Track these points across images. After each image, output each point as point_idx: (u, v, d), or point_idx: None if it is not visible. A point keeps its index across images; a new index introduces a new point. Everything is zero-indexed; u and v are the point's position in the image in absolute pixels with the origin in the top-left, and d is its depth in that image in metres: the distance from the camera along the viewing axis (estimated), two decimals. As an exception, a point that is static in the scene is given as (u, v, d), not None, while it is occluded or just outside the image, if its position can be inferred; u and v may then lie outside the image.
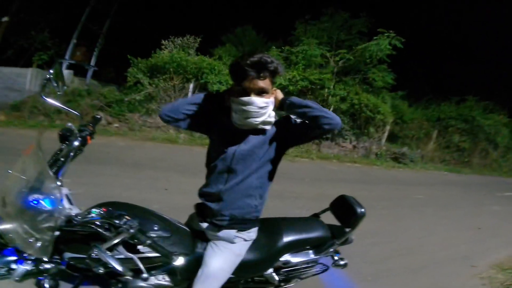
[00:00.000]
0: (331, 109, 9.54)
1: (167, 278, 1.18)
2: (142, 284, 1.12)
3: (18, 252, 0.99)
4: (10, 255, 0.99)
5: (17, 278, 0.98)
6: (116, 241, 0.97)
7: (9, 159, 1.16)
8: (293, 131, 1.24)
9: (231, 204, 1.19)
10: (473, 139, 13.26)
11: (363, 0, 12.95)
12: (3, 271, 0.99)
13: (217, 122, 1.23)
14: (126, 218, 0.98)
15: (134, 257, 1.04)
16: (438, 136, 12.36)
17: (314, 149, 9.11)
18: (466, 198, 6.95)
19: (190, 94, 8.22)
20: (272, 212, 1.55)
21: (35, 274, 1.02)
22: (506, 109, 14.90)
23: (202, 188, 1.25)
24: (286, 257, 1.40)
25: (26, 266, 0.98)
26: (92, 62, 10.16)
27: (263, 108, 1.11)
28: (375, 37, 9.71)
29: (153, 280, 1.15)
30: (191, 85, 8.28)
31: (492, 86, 18.94)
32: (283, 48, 10.04)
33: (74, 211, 1.02)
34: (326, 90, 9.35)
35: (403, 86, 11.72)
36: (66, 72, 9.30)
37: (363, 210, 1.43)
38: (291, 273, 1.45)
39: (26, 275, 0.99)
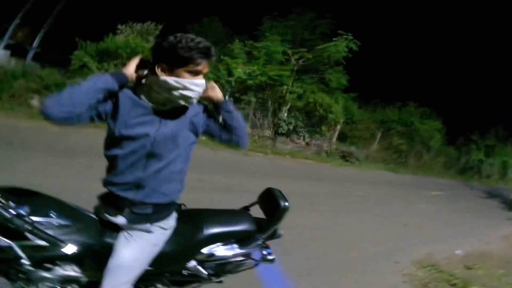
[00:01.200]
0: (288, 106, 9.86)
1: (76, 269, 1.12)
2: (45, 274, 1.06)
3: None
4: None
5: None
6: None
7: None
8: (209, 125, 1.24)
9: (154, 192, 1.12)
10: (410, 142, 14.73)
11: (330, 1, 13.37)
12: None
13: (122, 109, 1.10)
14: (3, 203, 0.95)
15: (12, 244, 0.99)
16: (381, 138, 13.52)
17: (269, 144, 9.33)
18: (398, 196, 7.67)
19: (144, 80, 7.80)
20: (218, 205, 1.52)
21: None
22: (440, 116, 16.90)
23: (111, 178, 1.13)
24: (209, 250, 1.37)
25: None
26: (35, 44, 9.04)
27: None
28: (334, 39, 10.14)
29: (58, 270, 1.08)
30: (145, 72, 7.82)
31: (430, 94, 21.31)
32: (246, 42, 10.01)
33: None
34: (285, 87, 9.58)
35: (355, 88, 12.44)
36: (3, 52, 8.18)
37: (286, 204, 1.42)
38: (221, 266, 1.42)
39: None
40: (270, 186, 1.59)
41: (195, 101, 1.13)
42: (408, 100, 15.61)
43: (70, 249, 1.05)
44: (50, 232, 1.03)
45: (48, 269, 1.05)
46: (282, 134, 9.80)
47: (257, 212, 1.57)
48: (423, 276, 3.11)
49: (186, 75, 1.07)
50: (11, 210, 0.95)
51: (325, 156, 10.41)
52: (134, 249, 1.13)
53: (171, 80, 1.06)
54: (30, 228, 0.97)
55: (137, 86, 1.15)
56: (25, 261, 1.00)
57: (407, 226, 4.96)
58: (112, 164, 1.14)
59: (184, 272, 1.37)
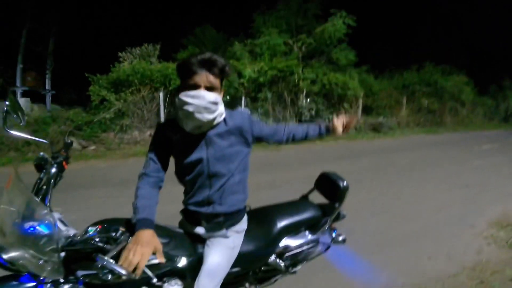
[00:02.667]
0: (304, 92, 9.64)
1: (179, 282, 1.19)
2: None
3: (34, 277, 1.01)
4: (28, 282, 1.01)
5: None
6: (116, 250, 1.00)
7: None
8: (261, 131, 1.29)
9: (221, 205, 1.21)
10: (440, 100, 13.95)
11: None
12: None
13: (173, 143, 1.20)
14: (122, 230, 1.04)
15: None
16: (408, 102, 12.88)
17: (295, 134, 9.11)
18: (447, 157, 7.10)
19: (161, 103, 7.93)
20: (267, 201, 1.53)
21: None
22: (463, 70, 15.90)
23: (188, 200, 1.25)
24: (284, 242, 1.42)
25: None
26: (47, 86, 9.47)
27: (214, 104, 1.10)
28: (329, 18, 10.05)
29: (167, 287, 1.15)
30: (161, 94, 7.98)
31: (444, 51, 20.12)
32: (246, 41, 10.03)
33: (72, 231, 1.07)
34: (296, 75, 9.42)
35: (365, 61, 12.30)
36: (22, 100, 8.64)
37: (345, 183, 1.47)
38: (295, 256, 1.46)
39: None
40: (322, 171, 1.61)
41: (200, 116, 1.08)
42: (423, 61, 15.13)
43: (183, 262, 1.15)
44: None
45: (158, 287, 1.13)
46: (306, 121, 9.55)
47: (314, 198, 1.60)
48: (507, 236, 2.83)
49: (187, 91, 1.08)
50: (127, 234, 1.04)
51: (355, 133, 10.00)
52: (216, 254, 1.21)
53: (177, 99, 1.11)
54: None
55: (175, 114, 1.20)
56: (154, 279, 1.07)
57: (469, 186, 4.51)
58: (186, 188, 1.26)
59: (264, 268, 1.43)
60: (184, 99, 1.07)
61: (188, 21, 13.21)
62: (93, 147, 7.08)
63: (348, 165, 5.95)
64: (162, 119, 7.95)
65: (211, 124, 1.14)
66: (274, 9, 11.31)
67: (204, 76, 1.07)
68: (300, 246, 1.46)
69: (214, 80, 1.09)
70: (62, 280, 1.03)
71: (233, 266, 1.26)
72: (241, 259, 1.28)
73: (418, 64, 14.90)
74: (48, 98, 9.49)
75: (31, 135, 1.32)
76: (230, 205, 1.22)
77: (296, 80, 9.47)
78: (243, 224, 1.31)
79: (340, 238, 1.61)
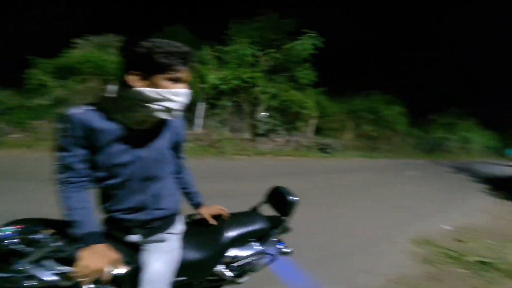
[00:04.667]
0: (263, 106, 9.93)
1: None
2: None
3: None
4: None
5: None
6: (37, 256, 0.92)
7: None
8: (180, 147, 1.26)
9: (159, 210, 1.13)
10: (379, 128, 15.60)
11: (292, 1, 13.72)
12: None
13: (97, 138, 0.99)
14: (48, 232, 0.94)
15: (68, 269, 0.98)
16: (353, 127, 14.11)
17: (250, 146, 9.33)
18: (380, 181, 8.03)
19: (109, 95, 7.41)
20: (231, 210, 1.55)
21: None
22: (402, 101, 18.13)
23: (112, 206, 1.08)
24: (232, 252, 1.42)
25: None
26: None
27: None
28: (299, 37, 10.48)
29: None
30: (111, 87, 7.44)
31: (391, 82, 22.80)
32: (215, 47, 9.96)
33: None
34: (258, 88, 9.63)
35: (323, 82, 12.90)
36: None
37: (295, 198, 1.53)
38: (242, 267, 1.47)
39: None
40: (274, 185, 1.68)
41: (177, 113, 1.01)
42: (372, 89, 16.68)
43: (122, 269, 1.02)
44: None
45: None
46: (261, 135, 9.84)
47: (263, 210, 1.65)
48: (423, 252, 3.29)
49: (166, 83, 0.96)
50: (54, 237, 0.95)
51: (305, 151, 10.62)
52: (155, 260, 1.13)
53: (149, 91, 0.94)
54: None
55: (109, 107, 1.00)
56: (84, 286, 0.98)
57: (396, 207, 5.20)
58: (108, 193, 1.07)
59: (210, 277, 1.41)
60: (168, 96, 0.95)
61: (161, 18, 12.68)
62: (19, 135, 6.28)
63: (297, 181, 6.33)
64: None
65: (156, 121, 1.04)
66: (251, 20, 11.42)
67: (186, 72, 0.99)
68: (248, 257, 1.47)
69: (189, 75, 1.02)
70: None
71: (179, 275, 1.20)
72: (187, 268, 1.24)
73: (367, 92, 16.41)
74: None
75: None
76: (168, 209, 1.16)
77: (258, 93, 9.71)
78: (179, 226, 1.26)
79: (287, 250, 1.64)
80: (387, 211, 4.96)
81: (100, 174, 1.03)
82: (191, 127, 8.83)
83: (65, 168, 0.99)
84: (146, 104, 0.96)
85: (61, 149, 0.98)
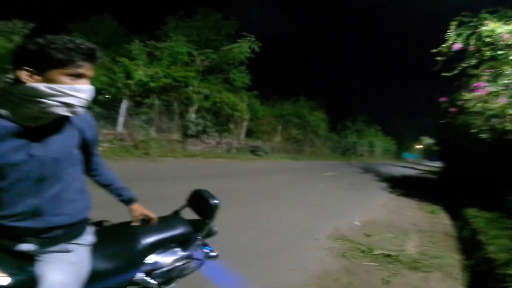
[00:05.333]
0: (195, 107, 9.75)
1: None
2: None
3: None
4: None
5: None
6: None
7: None
8: (91, 147, 1.17)
9: (57, 215, 1.01)
10: (304, 132, 17.03)
11: (234, 3, 13.75)
12: None
13: None
14: None
15: None
16: (282, 130, 15.03)
17: (179, 148, 9.04)
18: (301, 181, 8.76)
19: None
20: (123, 217, 1.44)
21: None
22: (324, 107, 20.24)
23: (2, 213, 0.96)
24: (153, 259, 1.35)
25: None
26: None
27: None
28: (238, 40, 10.57)
29: None
30: (9, 76, 6.24)
31: (315, 89, 25.16)
32: (147, 42, 9.32)
33: None
34: (191, 88, 9.39)
35: (256, 86, 13.35)
36: None
37: (216, 201, 1.52)
38: (167, 273, 1.40)
39: None
40: (195, 189, 1.65)
41: (81, 110, 0.95)
42: (300, 95, 18.10)
43: (5, 280, 0.90)
44: None
45: None
46: (192, 136, 9.64)
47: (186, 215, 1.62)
48: (339, 247, 3.60)
49: (64, 78, 0.91)
50: None
51: (235, 153, 10.84)
52: (57, 272, 1.00)
53: (42, 86, 0.88)
54: None
55: None
56: None
57: (314, 205, 5.69)
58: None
59: (132, 286, 1.33)
60: (66, 91, 0.90)
61: (88, 7, 11.18)
62: None
63: (224, 184, 6.42)
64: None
65: (52, 117, 0.96)
66: (191, 18, 11.02)
67: (90, 68, 0.96)
68: (172, 263, 1.41)
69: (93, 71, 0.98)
70: None
71: (90, 285, 1.10)
72: (100, 278, 1.15)
73: (295, 98, 17.69)
74: None
75: None
76: (70, 215, 1.04)
77: (190, 93, 9.45)
78: (88, 237, 1.15)
79: (213, 254, 1.62)
80: (307, 209, 5.37)
81: None
82: (113, 126, 8.08)
83: None
84: (39, 100, 0.89)
85: None
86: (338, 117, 24.68)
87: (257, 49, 10.78)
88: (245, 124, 11.86)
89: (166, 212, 1.64)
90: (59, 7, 11.30)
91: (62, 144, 0.99)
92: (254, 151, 11.54)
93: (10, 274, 0.94)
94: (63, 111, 0.92)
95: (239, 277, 2.56)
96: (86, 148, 1.12)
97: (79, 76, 0.93)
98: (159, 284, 1.37)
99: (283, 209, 5.12)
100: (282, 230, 4.02)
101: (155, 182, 5.40)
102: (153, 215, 1.37)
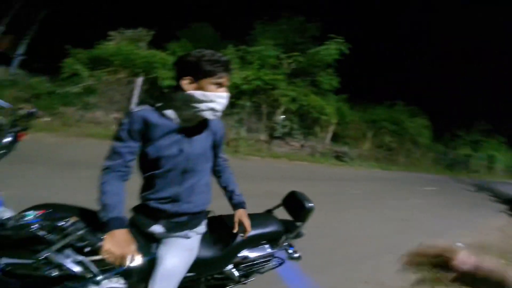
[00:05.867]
0: (282, 109, 9.95)
1: (121, 281, 1.11)
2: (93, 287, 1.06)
3: None
4: None
5: None
6: (62, 243, 0.91)
7: None
8: (218, 148, 1.36)
9: (189, 203, 1.20)
10: (400, 140, 15.14)
11: (317, 5, 13.65)
12: None
13: (149, 133, 1.13)
14: (73, 219, 0.93)
15: (85, 259, 0.98)
16: (372, 137, 13.82)
17: (265, 148, 9.41)
18: (393, 193, 7.85)
19: (137, 88, 7.77)
20: (227, 210, 1.53)
21: None
22: (427, 113, 17.47)
23: (150, 195, 1.17)
24: (244, 253, 1.44)
25: None
26: (21, 52, 8.75)
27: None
28: (325, 42, 10.38)
29: (106, 284, 1.07)
30: (139, 79, 7.80)
31: (416, 93, 22.05)
32: (239, 47, 10.05)
33: (8, 214, 0.94)
34: (278, 90, 9.66)
35: (345, 89, 12.72)
36: None
37: (311, 204, 1.54)
38: (250, 268, 1.48)
39: None
40: (292, 190, 1.70)
41: (219, 114, 1.15)
42: (396, 99, 16.21)
43: (138, 260, 1.02)
44: None
45: (96, 283, 1.04)
46: (277, 137, 9.88)
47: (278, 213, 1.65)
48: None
49: (211, 87, 1.10)
50: (78, 225, 0.93)
51: (319, 157, 10.55)
52: (174, 256, 1.18)
53: (198, 93, 1.10)
54: (101, 243, 0.96)
55: (163, 106, 1.15)
56: (99, 277, 0.99)
57: (405, 220, 5.11)
58: (150, 182, 1.19)
59: (218, 275, 1.43)
60: (213, 98, 1.10)
61: (188, 15, 13.04)
62: (47, 119, 6.58)
63: (307, 187, 6.30)
64: (134, 105, 7.79)
65: (200, 119, 1.18)
66: (276, 22, 11.39)
67: (228, 79, 1.14)
68: (258, 258, 1.48)
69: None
70: None
71: (189, 270, 1.22)
72: (199, 265, 1.25)
73: (391, 102, 15.96)
74: (16, 63, 8.76)
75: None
76: (197, 205, 1.22)
77: (278, 95, 9.72)
78: (203, 226, 1.31)
79: (296, 255, 1.65)
80: (397, 223, 4.88)
81: (147, 164, 1.16)
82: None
83: (115, 155, 1.10)
84: (194, 105, 1.11)
85: (117, 139, 1.12)
86: (445, 125, 21.03)
87: (346, 51, 10.35)
88: (331, 128, 11.46)
89: (254, 209, 1.70)
90: (168, 15, 13.16)
91: (202, 143, 1.20)
92: (339, 156, 11.00)
93: (141, 255, 1.07)
94: (208, 115, 1.13)
95: (312, 283, 2.55)
96: (215, 148, 1.32)
97: (220, 85, 1.12)
98: (239, 276, 1.45)
99: (368, 220, 4.78)
100: (364, 241, 3.79)
101: (243, 179, 5.75)
102: (249, 228, 1.40)
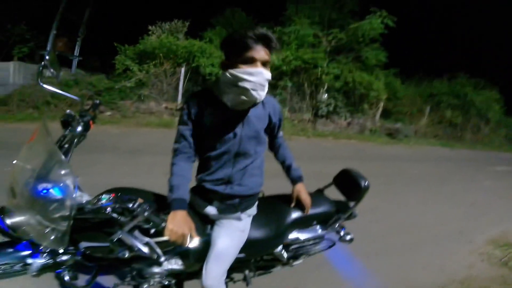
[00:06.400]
0: (325, 87, 9.50)
1: (180, 262, 1.17)
2: (156, 269, 1.12)
3: (33, 245, 0.97)
4: (24, 250, 0.97)
5: (34, 273, 0.96)
6: (132, 224, 0.95)
7: (2, 153, 1.14)
8: (275, 129, 1.32)
9: (240, 186, 1.20)
10: (465, 115, 13.46)
11: None
12: (18, 266, 0.96)
13: (206, 116, 1.13)
14: (139, 201, 0.96)
15: (151, 241, 1.01)
16: (430, 112, 12.51)
17: (309, 127, 9.13)
18: (459, 173, 6.91)
19: (181, 78, 8.05)
20: (276, 191, 1.51)
21: (52, 267, 1.00)
22: (497, 86, 15.12)
23: (205, 176, 1.20)
24: (294, 234, 1.39)
25: (42, 260, 0.96)
26: (76, 52, 9.70)
27: (267, 82, 1.07)
28: (367, 16, 9.73)
29: (166, 265, 1.14)
30: (183, 69, 8.12)
31: (482, 64, 19.10)
32: (274, 29, 9.90)
33: (85, 198, 0.98)
34: (320, 69, 9.30)
35: (395, 63, 11.86)
36: None
37: (367, 183, 1.42)
38: (299, 249, 1.44)
39: (43, 269, 0.98)
40: (344, 167, 1.59)
41: (255, 94, 1.03)
42: (456, 71, 14.38)
43: (192, 242, 1.04)
44: None
45: (159, 264, 1.11)
46: (322, 116, 9.53)
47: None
48: (501, 255, 2.89)
49: (242, 66, 1.02)
50: (144, 207, 0.95)
51: (369, 135, 9.90)
52: (226, 237, 1.19)
53: (227, 74, 1.04)
54: (165, 224, 0.99)
55: (216, 90, 1.13)
56: (163, 258, 1.02)
57: (474, 204, 4.50)
58: (205, 164, 1.20)
59: (267, 257, 1.42)
60: (240, 75, 1.00)
61: (218, 2, 13.07)
62: (109, 113, 7.32)
63: (357, 167, 5.81)
64: (180, 93, 8.11)
65: (255, 102, 1.09)
66: (309, 0, 10.98)
67: (261, 51, 1.02)
68: (308, 239, 1.43)
69: (268, 56, 1.04)
70: (61, 251, 0.98)
71: (240, 251, 1.23)
72: (250, 246, 1.24)
73: (450, 74, 14.27)
74: (74, 63, 9.76)
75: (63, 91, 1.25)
76: (248, 187, 1.21)
77: (319, 74, 9.32)
78: (254, 208, 1.30)
79: (348, 237, 1.56)
80: (464, 207, 4.35)
81: (203, 147, 1.17)
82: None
83: (181, 138, 1.15)
84: (229, 87, 1.05)
85: (181, 122, 1.16)
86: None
87: (391, 24, 9.59)
88: (381, 104, 10.63)
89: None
90: (201, 4, 13.22)
91: (255, 126, 1.16)
92: (391, 134, 10.16)
93: (198, 236, 1.09)
94: (248, 95, 1.03)
95: (363, 268, 2.38)
96: (272, 130, 1.29)
97: (251, 60, 1.01)
98: (288, 258, 1.41)
99: (430, 204, 4.32)
100: (425, 226, 3.45)
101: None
102: (308, 203, 1.38)
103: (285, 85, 9.07)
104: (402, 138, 10.14)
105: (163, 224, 0.98)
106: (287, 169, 1.42)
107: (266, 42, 1.02)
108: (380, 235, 3.02)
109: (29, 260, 0.95)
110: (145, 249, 0.96)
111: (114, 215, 0.93)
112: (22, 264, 0.96)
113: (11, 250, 0.96)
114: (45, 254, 0.97)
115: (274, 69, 8.91)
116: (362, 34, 9.87)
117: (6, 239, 0.96)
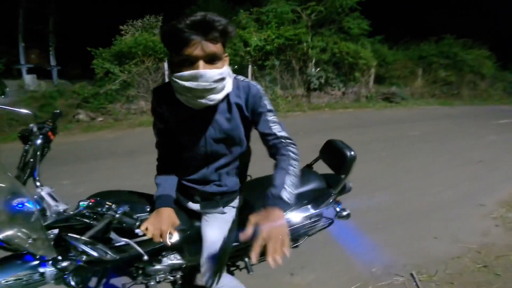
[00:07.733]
0: (313, 61, 9.32)
1: (178, 257, 1.21)
2: (158, 266, 1.18)
3: (34, 255, 1.01)
4: (32, 260, 1.01)
5: (52, 281, 1.01)
6: (99, 227, 0.94)
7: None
8: (251, 119, 1.04)
9: (219, 186, 1.14)
10: (458, 73, 13.33)
11: None
12: (37, 276, 1.01)
13: (169, 111, 1.01)
14: (108, 204, 0.98)
15: (130, 241, 1.03)
16: (423, 73, 12.38)
17: (304, 102, 8.96)
18: (461, 130, 6.66)
19: (166, 72, 7.80)
20: (269, 170, 1.33)
21: (61, 273, 1.03)
22: (486, 45, 14.90)
23: (183, 175, 1.16)
24: (285, 216, 1.32)
25: (49, 268, 1.00)
26: (52, 62, 9.42)
27: (221, 81, 0.86)
28: None
29: (166, 261, 1.19)
30: (165, 64, 7.89)
31: (469, 25, 18.76)
32: (251, 10, 9.82)
33: (61, 207, 0.99)
34: (305, 44, 9.18)
35: (379, 31, 11.81)
36: (29, 77, 8.63)
37: (352, 153, 1.33)
38: (296, 231, 1.37)
39: (59, 277, 1.02)
40: (328, 139, 1.48)
41: (204, 100, 0.87)
42: (442, 34, 14.30)
43: (175, 237, 1.07)
44: None
45: (158, 261, 1.18)
46: (315, 89, 9.40)
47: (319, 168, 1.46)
48: None
49: (182, 68, 0.83)
50: (118, 210, 0.97)
51: (365, 102, 9.76)
52: (215, 229, 1.15)
53: (171, 80, 0.89)
54: (139, 223, 1.01)
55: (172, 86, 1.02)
56: (145, 257, 1.04)
57: (482, 162, 4.24)
58: (183, 162, 1.14)
59: None
60: (179, 84, 0.83)
61: None
62: (101, 119, 7.17)
63: (356, 135, 5.75)
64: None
65: (210, 105, 0.92)
66: None
67: (200, 46, 0.80)
68: (302, 220, 1.36)
69: (214, 47, 0.81)
70: (60, 258, 1.00)
71: (235, 240, 1.17)
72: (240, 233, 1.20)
73: (437, 37, 14.20)
74: (54, 74, 9.50)
75: (13, 107, 1.21)
76: (228, 187, 1.14)
77: (305, 49, 9.19)
78: (237, 201, 1.23)
79: (345, 213, 1.48)
80: (471, 167, 4.08)
81: (178, 144, 1.09)
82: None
83: (156, 135, 1.13)
84: (178, 94, 0.92)
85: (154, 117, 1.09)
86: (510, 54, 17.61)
87: None
88: (372, 71, 10.50)
89: (300, 165, 1.43)
90: None
91: (222, 127, 0.99)
92: (388, 98, 10.01)
93: (182, 230, 1.13)
94: (197, 104, 0.89)
95: (369, 242, 2.23)
96: (251, 124, 1.04)
97: (192, 60, 0.82)
98: None
99: (435, 165, 4.10)
100: (432, 191, 3.22)
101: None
102: (246, 235, 1.17)
103: (272, 64, 8.94)
104: (399, 101, 10.00)
105: (137, 224, 0.99)
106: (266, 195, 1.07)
107: (207, 30, 0.79)
108: (387, 205, 2.84)
109: (41, 269, 1.00)
110: (94, 253, 0.98)
111: (87, 221, 0.96)
112: (38, 273, 1.00)
113: (19, 261, 1.00)
114: (50, 262, 1.00)
115: (258, 50, 8.72)
116: (340, 4, 9.82)
117: (8, 253, 1.00)
